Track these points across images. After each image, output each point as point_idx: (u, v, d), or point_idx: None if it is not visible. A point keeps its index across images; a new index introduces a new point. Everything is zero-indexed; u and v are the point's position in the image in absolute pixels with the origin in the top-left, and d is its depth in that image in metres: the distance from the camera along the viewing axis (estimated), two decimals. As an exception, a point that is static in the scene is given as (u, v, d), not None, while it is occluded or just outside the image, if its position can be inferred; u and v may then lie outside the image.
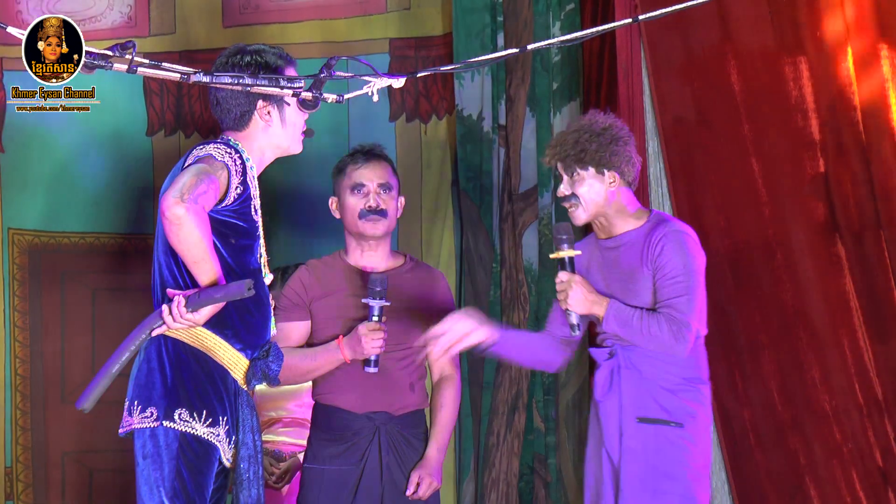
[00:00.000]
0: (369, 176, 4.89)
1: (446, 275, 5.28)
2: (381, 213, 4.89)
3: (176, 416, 3.94)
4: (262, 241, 4.10)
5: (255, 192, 4.04)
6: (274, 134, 4.12)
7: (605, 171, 4.57)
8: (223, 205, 3.96)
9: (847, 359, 5.44)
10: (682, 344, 4.45)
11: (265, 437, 5.34)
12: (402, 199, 5.00)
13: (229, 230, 3.99)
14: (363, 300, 4.79)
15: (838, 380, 5.46)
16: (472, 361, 6.16)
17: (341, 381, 4.86)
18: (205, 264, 3.88)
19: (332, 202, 4.97)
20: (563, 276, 4.56)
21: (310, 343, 4.94)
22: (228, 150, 3.98)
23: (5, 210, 6.43)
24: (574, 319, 4.56)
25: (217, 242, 3.95)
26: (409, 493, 4.83)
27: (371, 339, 4.73)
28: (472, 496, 6.19)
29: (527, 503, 6.17)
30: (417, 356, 4.86)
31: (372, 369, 4.77)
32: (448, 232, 6.34)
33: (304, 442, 5.10)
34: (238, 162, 3.98)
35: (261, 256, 4.11)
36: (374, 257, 4.94)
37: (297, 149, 4.19)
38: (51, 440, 6.41)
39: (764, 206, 5.56)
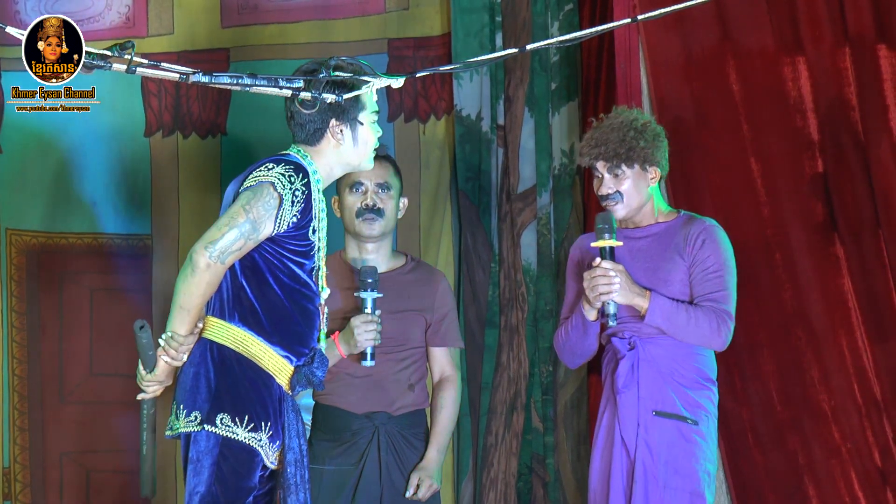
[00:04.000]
0: (367, 175, 4.89)
1: (445, 275, 5.28)
2: (378, 212, 4.88)
3: (218, 421, 3.97)
4: (320, 256, 4.16)
5: (316, 211, 4.08)
6: (345, 152, 4.16)
7: (649, 167, 4.62)
8: (275, 233, 4.02)
9: (846, 359, 5.44)
10: (726, 337, 4.56)
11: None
12: (404, 201, 5.00)
13: (282, 248, 4.04)
14: (355, 294, 4.78)
15: (837, 380, 5.46)
16: (471, 361, 6.16)
17: (341, 381, 4.85)
18: (186, 315, 3.98)
19: (334, 201, 4.98)
20: (606, 264, 4.56)
21: None
22: (294, 178, 4.02)
23: (3, 210, 6.42)
24: (612, 309, 4.57)
25: (259, 259, 4.03)
26: (408, 494, 4.83)
27: (364, 331, 4.72)
28: (470, 495, 6.19)
29: (525, 503, 6.17)
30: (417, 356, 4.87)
31: (368, 363, 4.75)
32: (447, 232, 6.34)
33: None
34: (301, 191, 4.02)
35: (317, 270, 4.15)
36: (374, 257, 4.94)
37: (367, 166, 4.26)
38: (49, 440, 6.40)
39: (763, 206, 5.56)
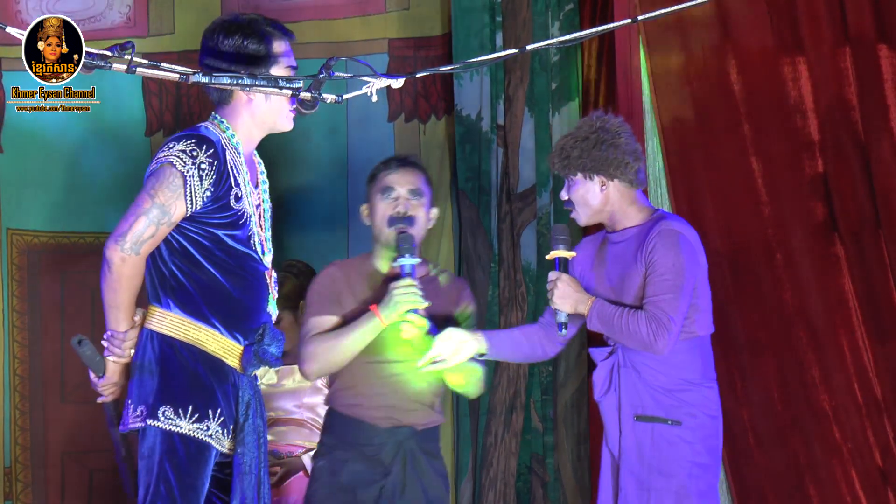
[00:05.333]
0: (399, 181, 4.79)
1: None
2: (409, 220, 4.79)
3: (160, 415, 3.88)
4: (254, 221, 4.04)
5: (235, 178, 3.98)
6: (257, 109, 4.04)
7: (593, 175, 4.57)
8: (191, 211, 3.92)
9: (846, 358, 5.44)
10: (661, 341, 4.41)
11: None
12: (434, 210, 4.91)
13: (207, 225, 3.95)
14: (392, 263, 4.71)
15: (837, 379, 5.46)
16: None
17: (366, 394, 4.75)
18: (118, 312, 3.91)
19: (364, 209, 4.90)
20: (552, 274, 4.59)
21: None
22: (196, 151, 3.92)
23: (4, 210, 6.43)
24: (562, 318, 4.57)
25: (185, 241, 3.94)
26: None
27: (403, 293, 4.61)
28: (469, 495, 6.19)
29: (524, 503, 6.17)
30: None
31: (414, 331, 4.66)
32: (447, 232, 6.34)
33: (303, 443, 5.05)
34: (208, 163, 3.91)
35: (253, 236, 4.03)
36: None
37: (285, 125, 4.10)
38: (50, 440, 6.41)
39: (763, 206, 5.57)
